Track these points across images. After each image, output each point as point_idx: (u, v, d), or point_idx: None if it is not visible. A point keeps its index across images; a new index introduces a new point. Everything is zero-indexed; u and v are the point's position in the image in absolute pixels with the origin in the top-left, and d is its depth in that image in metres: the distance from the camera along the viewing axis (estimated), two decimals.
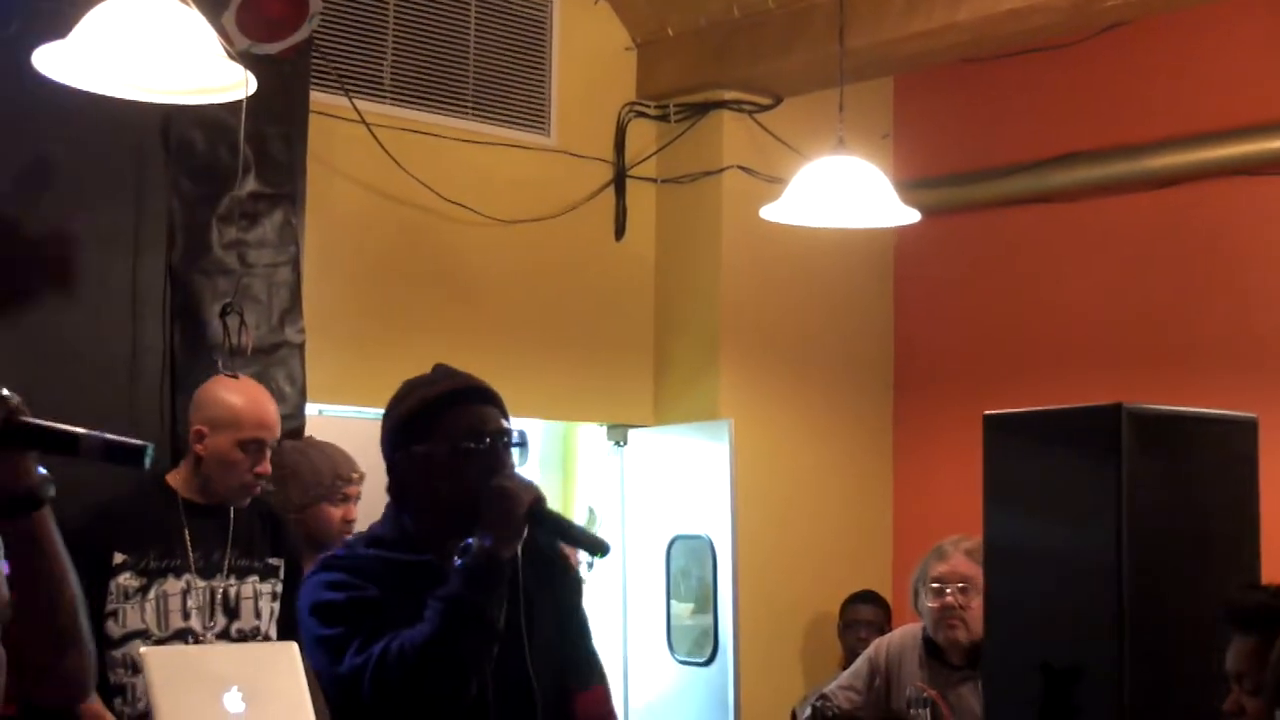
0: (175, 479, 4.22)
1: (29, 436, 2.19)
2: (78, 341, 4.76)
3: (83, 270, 4.83)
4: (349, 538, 3.73)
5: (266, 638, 4.22)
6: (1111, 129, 6.64)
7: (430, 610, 2.92)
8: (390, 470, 3.16)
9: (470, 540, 2.95)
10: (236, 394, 4.29)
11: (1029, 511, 3.76)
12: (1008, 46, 6.52)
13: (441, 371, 3.27)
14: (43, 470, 2.23)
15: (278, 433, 4.29)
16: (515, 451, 3.12)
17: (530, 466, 7.29)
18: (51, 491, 2.24)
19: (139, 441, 2.21)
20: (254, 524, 4.33)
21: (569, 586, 3.30)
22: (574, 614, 3.26)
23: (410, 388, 3.20)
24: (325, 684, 3.08)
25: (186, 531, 4.14)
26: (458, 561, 2.94)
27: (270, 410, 4.31)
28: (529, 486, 3.02)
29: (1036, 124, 6.91)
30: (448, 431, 3.07)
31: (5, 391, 2.18)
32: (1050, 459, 3.76)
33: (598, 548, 3.07)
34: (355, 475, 4.79)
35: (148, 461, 2.22)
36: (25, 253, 4.68)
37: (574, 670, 3.20)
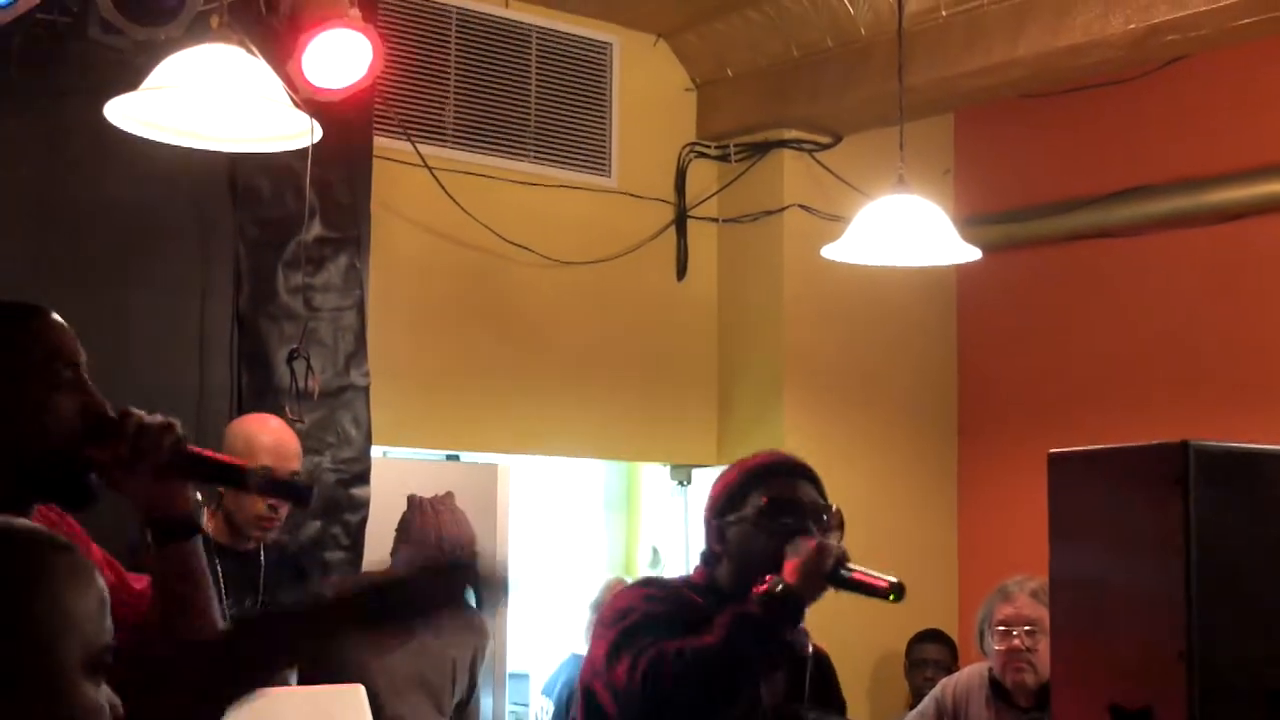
0: (208, 523, 4.24)
1: (196, 466, 2.24)
2: (144, 386, 4.77)
3: (150, 315, 4.89)
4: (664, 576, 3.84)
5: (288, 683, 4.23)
6: (1173, 163, 6.62)
7: (720, 621, 3.00)
8: (707, 539, 3.30)
9: (774, 577, 3.04)
10: (253, 425, 4.32)
11: (1095, 551, 3.73)
12: (1068, 82, 6.51)
13: (765, 450, 3.46)
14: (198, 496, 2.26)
15: (293, 464, 4.25)
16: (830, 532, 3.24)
17: (594, 507, 7.32)
18: (204, 519, 2.27)
19: (304, 482, 2.22)
20: (284, 571, 4.34)
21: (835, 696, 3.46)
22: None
23: (736, 463, 3.39)
24: (593, 678, 3.12)
25: (220, 575, 4.16)
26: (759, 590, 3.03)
27: (285, 440, 4.29)
28: (837, 546, 3.16)
29: (1098, 159, 6.89)
30: (762, 499, 3.23)
31: (175, 420, 2.22)
32: (1117, 497, 3.73)
33: (895, 593, 3.21)
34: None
35: (311, 500, 2.26)
36: (93, 298, 4.74)
37: None
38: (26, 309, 2.24)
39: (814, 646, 3.31)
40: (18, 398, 2.15)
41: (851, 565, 3.13)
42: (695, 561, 3.35)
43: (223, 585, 4.12)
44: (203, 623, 2.28)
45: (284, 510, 4.20)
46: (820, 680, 3.33)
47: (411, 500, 5.00)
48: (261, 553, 4.24)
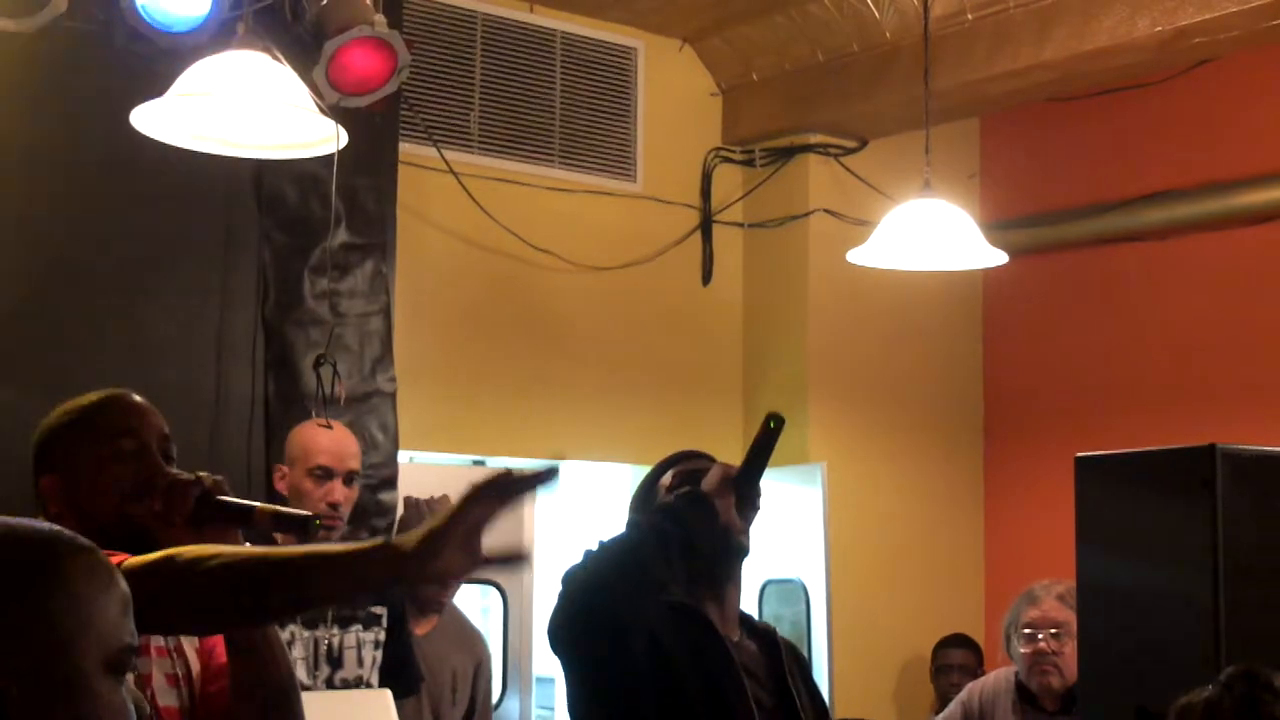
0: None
1: (220, 513, 2.45)
2: (169, 393, 4.80)
3: (175, 322, 4.90)
4: None
5: (368, 685, 4.25)
6: (1200, 166, 6.59)
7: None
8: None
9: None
10: (310, 429, 4.35)
11: (1122, 554, 3.73)
12: (1094, 85, 6.49)
13: None
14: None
15: (351, 465, 4.27)
16: None
17: (623, 509, 7.32)
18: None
19: (304, 513, 2.46)
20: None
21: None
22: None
23: None
24: None
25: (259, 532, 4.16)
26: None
27: (342, 441, 4.31)
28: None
29: (1125, 162, 6.87)
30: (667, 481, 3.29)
31: (203, 473, 2.47)
32: (1144, 501, 3.73)
33: (772, 419, 3.13)
34: None
35: (313, 531, 2.45)
36: (118, 305, 4.76)
37: None
38: (107, 395, 2.63)
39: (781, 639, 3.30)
40: (82, 469, 2.54)
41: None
42: None
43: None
44: (271, 665, 2.48)
45: (346, 509, 4.22)
46: (802, 669, 3.28)
47: (408, 501, 5.01)
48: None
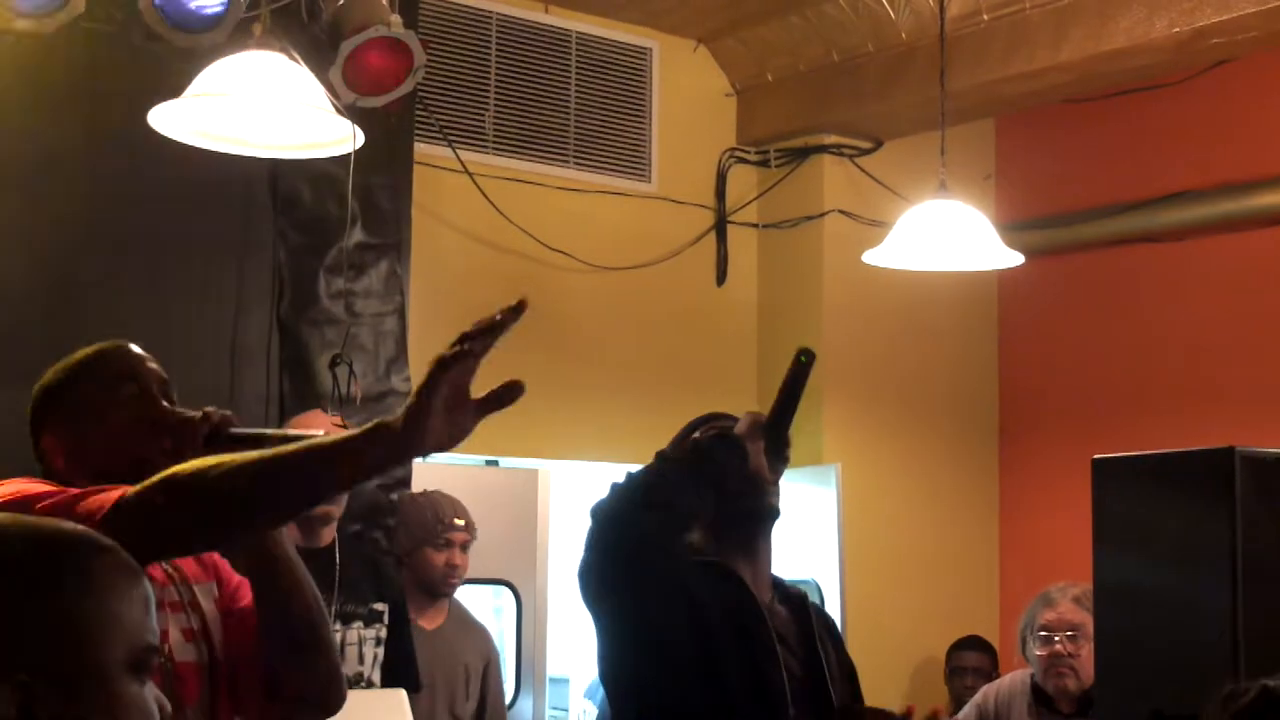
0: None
1: (233, 445, 2.38)
2: (183, 392, 4.80)
3: (191, 321, 4.90)
4: None
5: (370, 683, 4.25)
6: (1218, 167, 6.58)
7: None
8: None
9: None
10: (299, 418, 4.35)
11: (1140, 556, 3.72)
12: (1111, 86, 6.48)
13: None
14: None
15: None
16: None
17: None
18: None
19: (318, 433, 2.35)
20: (358, 569, 4.36)
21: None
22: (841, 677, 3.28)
23: None
24: None
25: None
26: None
27: (328, 423, 4.31)
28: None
29: (1141, 163, 6.85)
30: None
31: (209, 409, 2.46)
32: (1161, 503, 3.72)
33: (804, 354, 3.13)
34: (459, 521, 4.82)
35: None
36: (134, 304, 4.76)
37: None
38: (101, 347, 2.62)
39: (812, 603, 3.27)
40: (84, 420, 2.51)
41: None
42: None
43: None
44: (292, 602, 2.46)
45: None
46: (833, 638, 3.25)
47: (401, 497, 5.03)
48: (336, 551, 4.26)
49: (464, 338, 2.16)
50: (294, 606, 2.47)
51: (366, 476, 2.29)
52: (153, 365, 2.58)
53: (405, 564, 4.81)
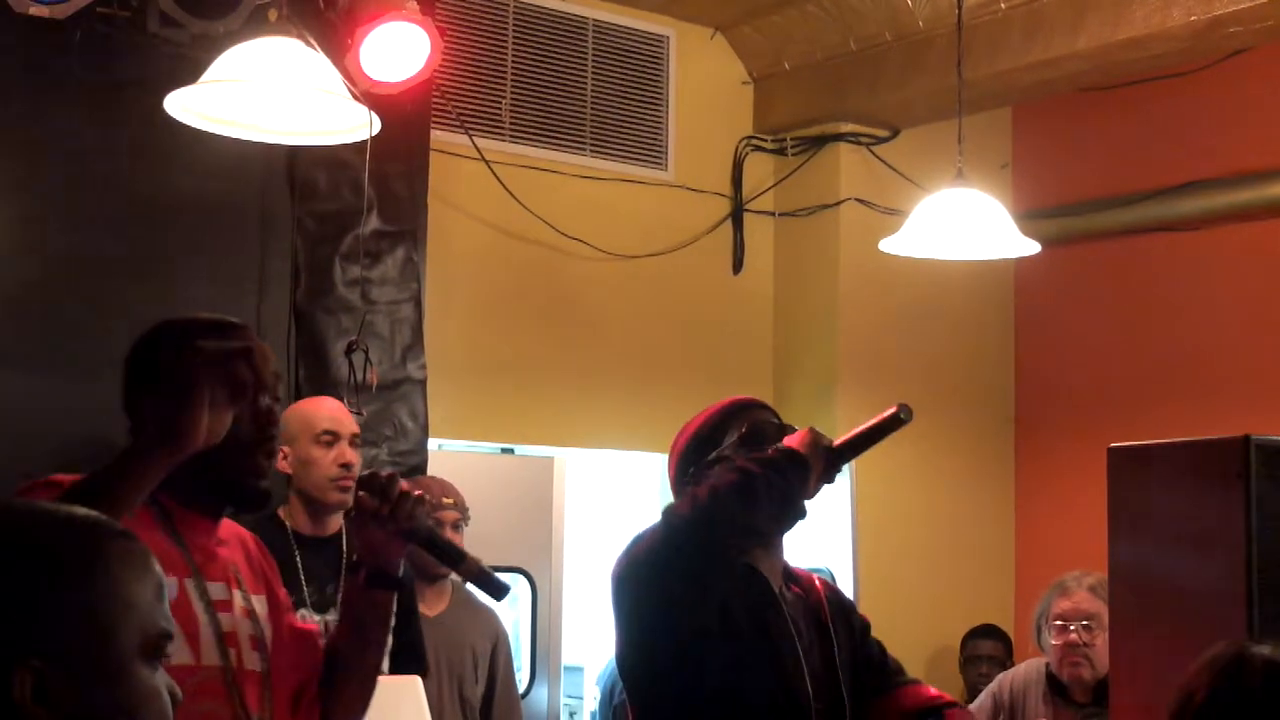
0: (284, 513, 4.25)
1: (427, 538, 2.55)
2: None
3: (207, 308, 4.85)
4: None
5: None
6: (1235, 156, 6.56)
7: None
8: (682, 486, 3.23)
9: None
10: (308, 403, 4.37)
11: (1155, 545, 3.71)
12: (1127, 75, 6.46)
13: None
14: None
15: (352, 427, 4.28)
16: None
17: (649, 500, 7.34)
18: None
19: (505, 582, 2.54)
20: None
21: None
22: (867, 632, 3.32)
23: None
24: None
25: (300, 565, 4.17)
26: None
27: (334, 404, 4.36)
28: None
29: (1158, 152, 6.84)
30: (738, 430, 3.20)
31: (419, 492, 2.53)
32: (1177, 492, 3.71)
33: (902, 412, 3.11)
34: (448, 501, 4.81)
35: (503, 595, 2.58)
36: (151, 291, 4.77)
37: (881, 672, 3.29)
38: (249, 343, 2.38)
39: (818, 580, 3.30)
40: (221, 412, 2.30)
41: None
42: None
43: (302, 575, 4.15)
44: (376, 660, 2.63)
45: (357, 468, 4.22)
46: (846, 619, 3.26)
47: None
48: (343, 540, 4.26)
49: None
50: (370, 657, 2.61)
51: None
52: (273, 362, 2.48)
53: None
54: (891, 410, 3.09)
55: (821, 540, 6.54)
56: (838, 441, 3.07)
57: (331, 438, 4.21)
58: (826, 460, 3.03)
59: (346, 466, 4.19)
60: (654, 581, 2.95)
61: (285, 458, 4.21)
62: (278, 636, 2.56)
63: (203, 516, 2.47)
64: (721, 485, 2.93)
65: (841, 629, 3.20)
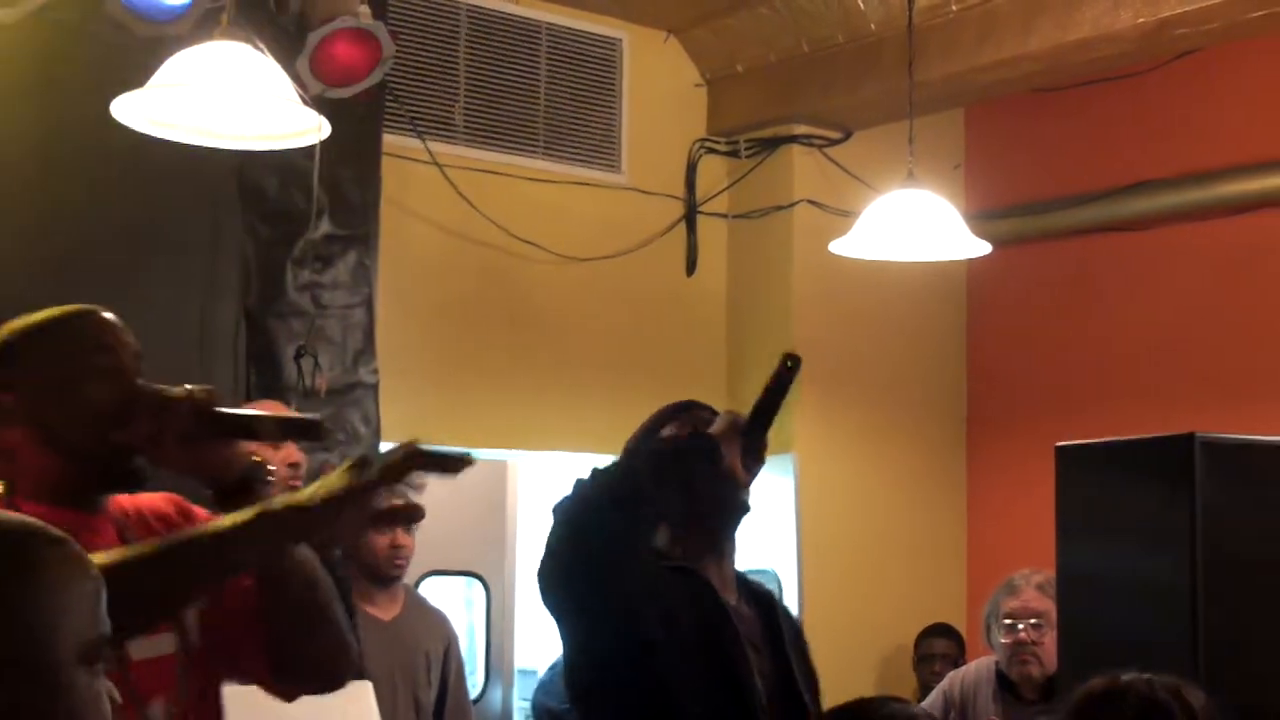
0: None
1: (218, 425, 2.33)
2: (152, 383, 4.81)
3: (158, 313, 4.87)
4: None
5: None
6: (1184, 156, 6.61)
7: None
8: None
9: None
10: (256, 408, 4.34)
11: (1103, 542, 3.75)
12: (1078, 76, 6.50)
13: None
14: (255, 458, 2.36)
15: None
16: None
17: None
18: (268, 477, 2.42)
19: (313, 416, 2.40)
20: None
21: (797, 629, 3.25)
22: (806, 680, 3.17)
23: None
24: None
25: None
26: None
27: (281, 407, 4.32)
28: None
29: (1108, 153, 6.88)
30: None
31: (189, 386, 2.34)
32: (1124, 490, 3.75)
33: (789, 359, 2.97)
34: (398, 501, 4.79)
35: (325, 433, 2.43)
36: (100, 297, 4.71)
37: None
38: (74, 310, 2.41)
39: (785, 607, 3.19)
40: (57, 389, 2.31)
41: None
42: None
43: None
44: (290, 576, 2.35)
45: (303, 470, 4.19)
46: (797, 638, 3.15)
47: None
48: None
49: (402, 464, 2.28)
50: (294, 583, 2.36)
51: (282, 554, 2.30)
52: (128, 336, 2.42)
53: (349, 554, 4.71)
54: (779, 364, 2.96)
55: (767, 542, 6.55)
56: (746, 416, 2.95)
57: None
58: (745, 434, 2.93)
59: (294, 466, 4.16)
60: (563, 589, 2.85)
61: None
62: (225, 598, 2.38)
63: (77, 512, 2.27)
64: (602, 469, 2.83)
65: (795, 653, 3.09)
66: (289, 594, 2.36)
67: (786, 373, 2.95)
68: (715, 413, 3.10)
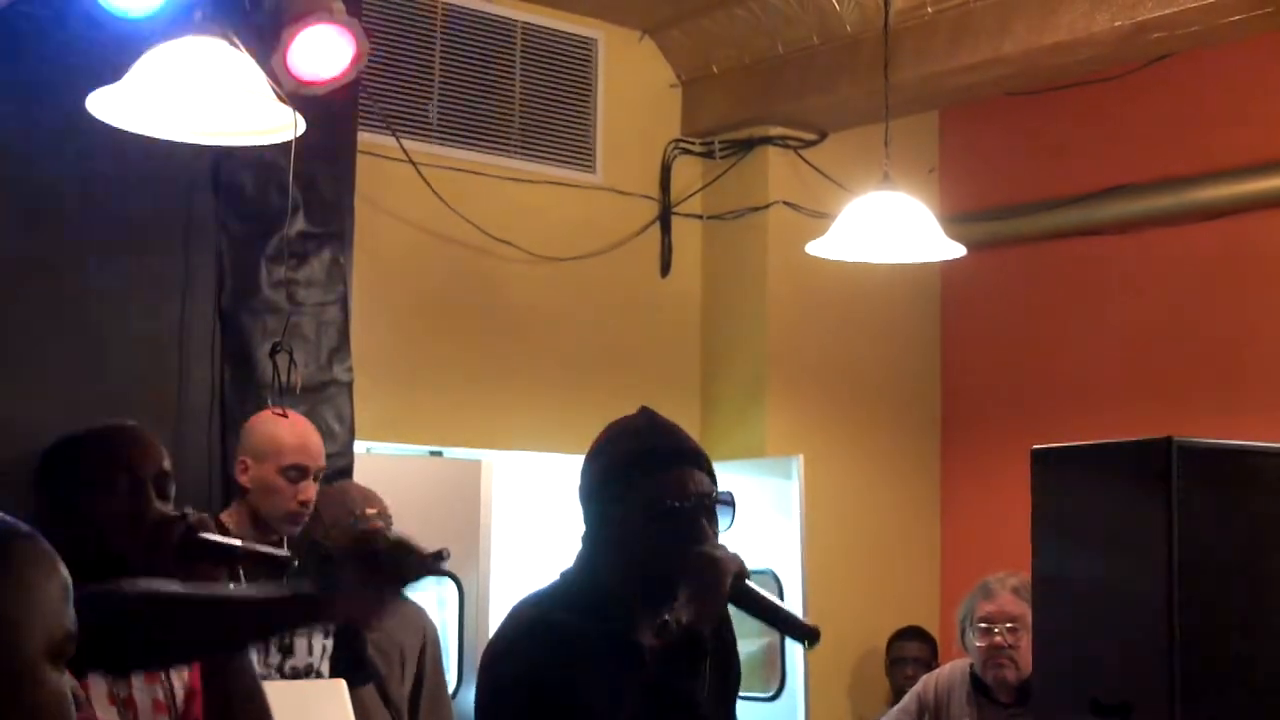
0: (228, 518, 4.22)
1: (204, 552, 2.57)
2: (125, 382, 4.78)
3: (131, 310, 4.86)
4: (538, 592, 3.06)
5: (318, 674, 4.23)
6: (1159, 161, 6.63)
7: (631, 697, 2.62)
8: (586, 522, 2.92)
9: (668, 617, 2.63)
10: (278, 424, 4.30)
11: (1078, 547, 3.73)
12: (1054, 79, 6.52)
13: (645, 421, 2.99)
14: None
15: (321, 461, 4.26)
16: (722, 515, 2.84)
17: (576, 503, 7.33)
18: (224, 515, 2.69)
19: (284, 554, 2.64)
20: (310, 568, 4.32)
21: (734, 665, 3.00)
22: (734, 695, 2.99)
23: (612, 438, 2.94)
24: None
25: (241, 570, 4.13)
26: (655, 639, 2.65)
27: (312, 439, 4.29)
28: (734, 558, 2.72)
29: (1083, 157, 6.90)
30: (646, 493, 2.80)
31: (189, 509, 2.57)
32: (1100, 494, 3.74)
33: (806, 635, 2.75)
34: (371, 511, 4.77)
35: (290, 574, 2.64)
36: (74, 294, 4.71)
37: None
38: (112, 425, 2.70)
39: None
40: (76, 505, 2.57)
41: (751, 584, 2.73)
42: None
43: (243, 579, 4.11)
44: (236, 688, 2.64)
45: (313, 504, 4.18)
46: (724, 646, 2.90)
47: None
48: (285, 544, 4.22)
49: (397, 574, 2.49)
50: (236, 691, 2.65)
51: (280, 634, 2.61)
52: (155, 453, 2.64)
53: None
54: (805, 626, 2.77)
55: (755, 543, 6.53)
56: (749, 589, 2.71)
57: (298, 473, 4.16)
58: (731, 603, 2.71)
59: (305, 504, 4.17)
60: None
61: (245, 470, 4.18)
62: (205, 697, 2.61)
63: None
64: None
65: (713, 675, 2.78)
66: (231, 705, 2.61)
67: (799, 633, 2.79)
68: (688, 462, 2.88)
